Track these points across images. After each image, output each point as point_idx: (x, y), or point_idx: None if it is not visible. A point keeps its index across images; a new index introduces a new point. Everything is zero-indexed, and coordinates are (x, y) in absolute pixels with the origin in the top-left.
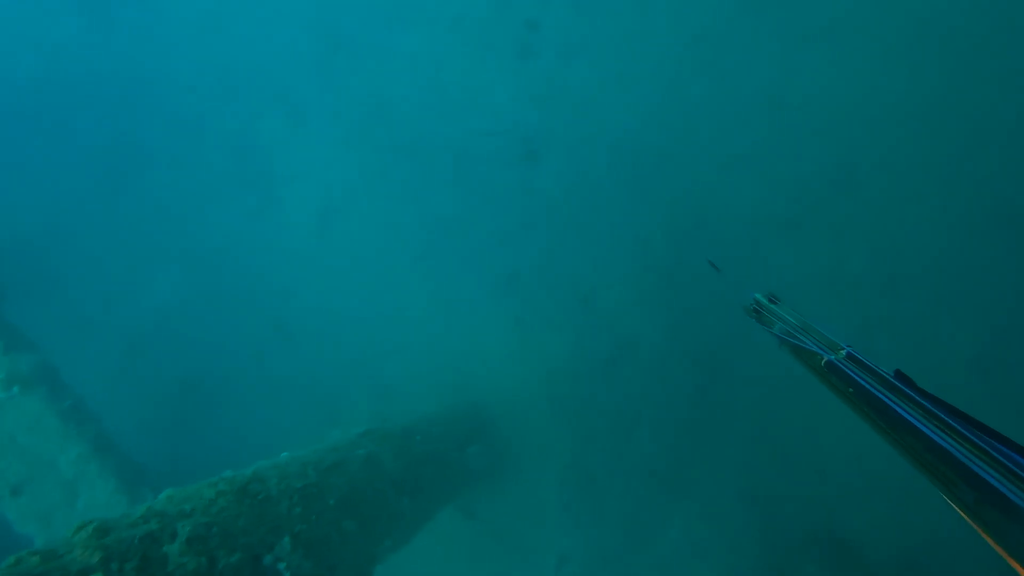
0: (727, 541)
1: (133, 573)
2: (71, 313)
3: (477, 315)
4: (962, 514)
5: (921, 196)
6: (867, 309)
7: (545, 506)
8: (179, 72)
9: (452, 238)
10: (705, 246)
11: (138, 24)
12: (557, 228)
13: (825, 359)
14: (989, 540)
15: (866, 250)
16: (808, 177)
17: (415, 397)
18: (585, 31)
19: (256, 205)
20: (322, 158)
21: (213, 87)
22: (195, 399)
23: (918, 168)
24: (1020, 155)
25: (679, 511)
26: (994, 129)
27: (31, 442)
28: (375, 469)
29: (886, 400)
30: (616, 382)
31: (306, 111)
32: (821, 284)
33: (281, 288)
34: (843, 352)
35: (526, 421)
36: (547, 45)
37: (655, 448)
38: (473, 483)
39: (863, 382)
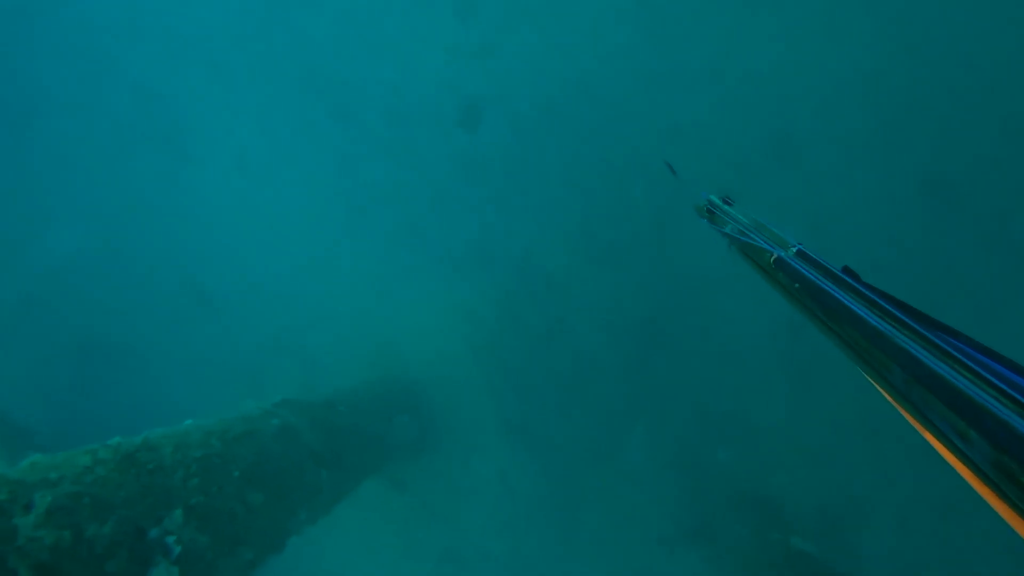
0: (661, 507)
1: None
2: None
3: (410, 284)
4: (890, 399)
5: (855, 167)
6: None
7: (478, 475)
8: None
9: (384, 205)
10: (646, 216)
11: None
12: (494, 196)
13: (775, 255)
14: (913, 422)
15: (805, 224)
16: (748, 148)
17: (343, 368)
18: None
19: (170, 162)
20: (244, 115)
21: (119, 22)
22: (96, 363)
23: (853, 139)
24: (948, 126)
25: (614, 480)
26: (925, 101)
27: None
28: (291, 440)
29: (829, 290)
30: (551, 354)
31: (227, 63)
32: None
33: (198, 251)
34: (793, 249)
35: (460, 392)
36: (486, 4)
37: (590, 419)
38: (401, 454)
39: (809, 275)
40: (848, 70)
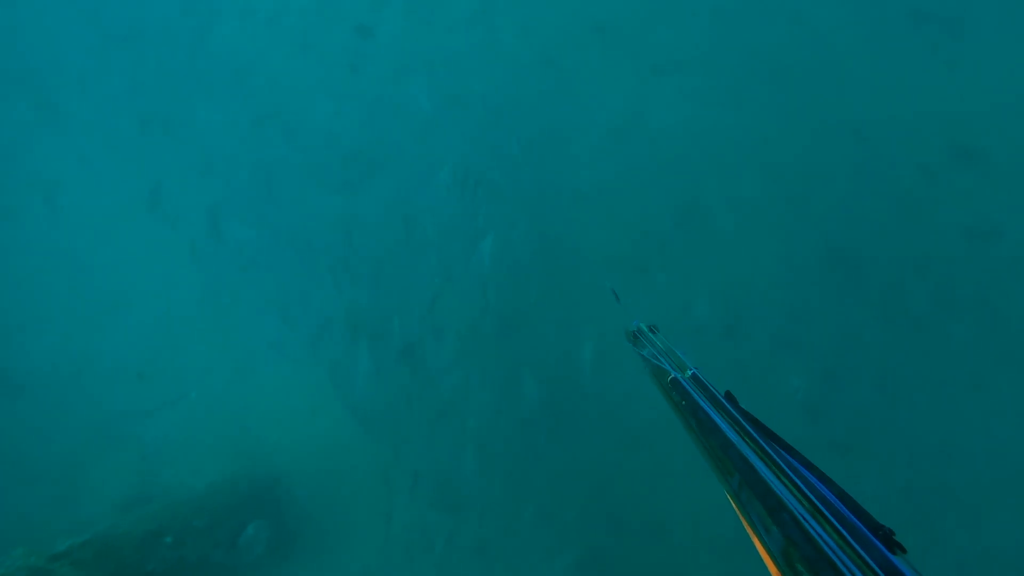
0: None
1: None
2: None
3: (278, 366)
4: (729, 499)
5: (759, 236)
6: (712, 352)
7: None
8: None
9: (248, 270)
10: (553, 290)
11: None
12: (380, 267)
13: (672, 376)
14: (743, 520)
15: (708, 293)
16: (654, 215)
17: (191, 462)
18: (421, 44)
19: None
20: (83, 161)
21: None
22: None
23: (757, 207)
24: (848, 198)
25: None
26: (825, 171)
27: None
28: None
29: (704, 407)
30: (441, 445)
31: (65, 102)
32: (668, 329)
33: (7, 321)
34: (689, 373)
35: (335, 488)
36: (380, 57)
37: (488, 518)
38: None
39: (693, 395)
40: (752, 137)
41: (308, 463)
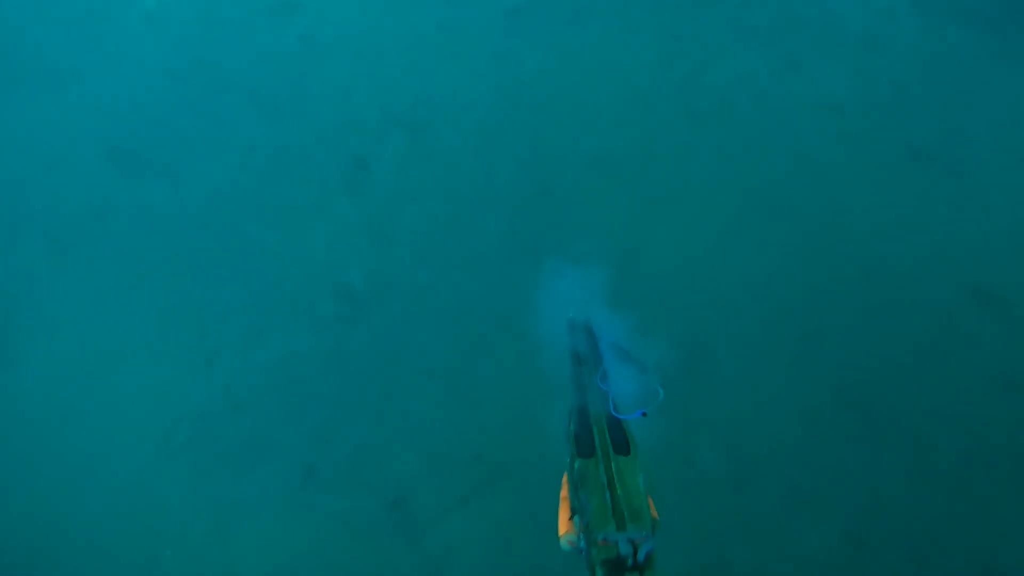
0: None
1: None
2: None
3: (260, 520)
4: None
5: (769, 380)
6: (722, 508)
7: None
8: None
9: (232, 415)
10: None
11: None
12: (369, 408)
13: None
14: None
15: (716, 442)
16: (659, 354)
17: None
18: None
19: None
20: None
21: None
22: None
23: (764, 350)
24: (860, 341)
25: None
26: (834, 311)
27: None
28: None
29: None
30: None
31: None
32: (673, 486)
33: None
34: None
35: None
36: (377, 185)
37: None
38: None
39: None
40: (757, 275)
41: None
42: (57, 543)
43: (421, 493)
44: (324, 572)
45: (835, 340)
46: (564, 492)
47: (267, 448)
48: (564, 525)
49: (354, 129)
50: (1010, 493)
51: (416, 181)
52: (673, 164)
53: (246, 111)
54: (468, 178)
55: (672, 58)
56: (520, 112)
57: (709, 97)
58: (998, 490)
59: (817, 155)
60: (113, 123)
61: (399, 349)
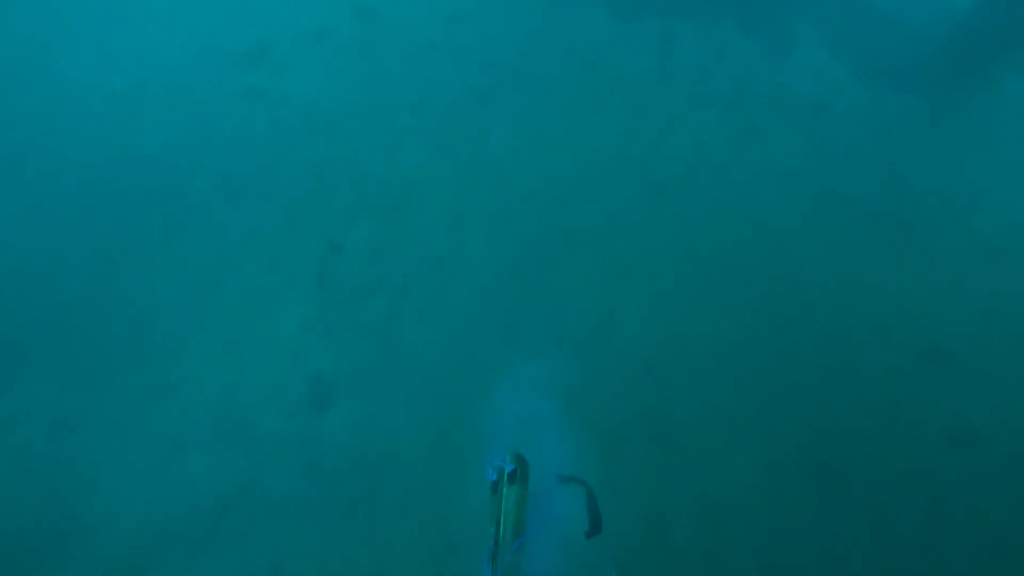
0: None
1: None
2: None
3: None
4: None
5: (735, 447)
6: None
7: None
8: None
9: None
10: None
11: None
12: (342, 503)
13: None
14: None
15: (686, 513)
16: (626, 428)
17: None
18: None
19: None
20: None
21: None
22: None
23: (731, 417)
24: (823, 404)
25: None
26: (796, 375)
27: None
28: None
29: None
30: None
31: None
32: (644, 559)
33: None
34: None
35: None
36: (348, 272)
37: None
38: None
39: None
40: (721, 341)
41: None
42: None
43: None
44: None
45: (798, 404)
46: None
47: (228, 547)
48: None
49: (326, 211)
50: (970, 553)
51: (386, 263)
52: (639, 235)
53: (216, 194)
54: (439, 258)
55: (636, 129)
56: (489, 190)
57: (672, 166)
58: (957, 550)
59: (777, 221)
60: (80, 206)
61: (372, 449)
